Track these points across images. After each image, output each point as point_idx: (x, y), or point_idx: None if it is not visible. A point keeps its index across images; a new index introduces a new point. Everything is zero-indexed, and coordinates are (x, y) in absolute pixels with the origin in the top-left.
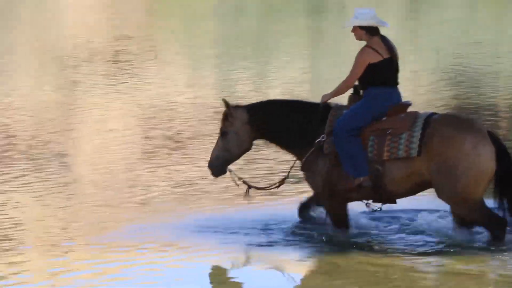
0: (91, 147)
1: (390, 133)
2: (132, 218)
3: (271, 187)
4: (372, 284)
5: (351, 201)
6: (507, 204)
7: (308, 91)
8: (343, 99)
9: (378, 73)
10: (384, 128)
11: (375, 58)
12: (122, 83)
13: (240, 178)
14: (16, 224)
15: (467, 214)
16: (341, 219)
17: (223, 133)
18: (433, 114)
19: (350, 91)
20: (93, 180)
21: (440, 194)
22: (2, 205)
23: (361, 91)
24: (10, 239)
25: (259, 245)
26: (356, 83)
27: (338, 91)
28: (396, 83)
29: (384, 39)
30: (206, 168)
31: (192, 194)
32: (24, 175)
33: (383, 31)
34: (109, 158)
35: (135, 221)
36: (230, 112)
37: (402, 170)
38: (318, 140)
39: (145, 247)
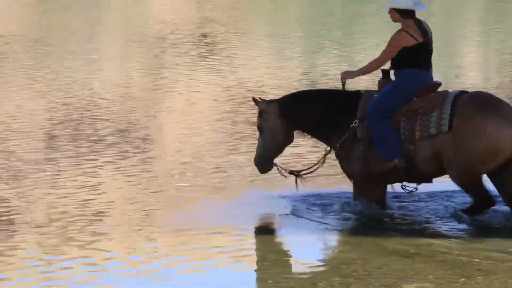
0: (178, 131)
1: (421, 112)
2: (216, 202)
3: (314, 166)
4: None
5: (388, 183)
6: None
7: None
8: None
9: (411, 56)
10: (415, 109)
11: (409, 42)
12: (209, 65)
13: (286, 170)
14: (108, 207)
15: (466, 186)
16: (379, 202)
17: (260, 130)
18: (463, 92)
19: (379, 75)
20: (179, 164)
21: (448, 165)
22: (91, 189)
23: (392, 72)
24: (100, 222)
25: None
26: (386, 66)
27: (365, 70)
28: (429, 67)
29: (419, 23)
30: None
31: (277, 180)
32: (112, 160)
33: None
34: (195, 142)
35: (221, 205)
36: (262, 108)
37: (432, 148)
38: (351, 126)
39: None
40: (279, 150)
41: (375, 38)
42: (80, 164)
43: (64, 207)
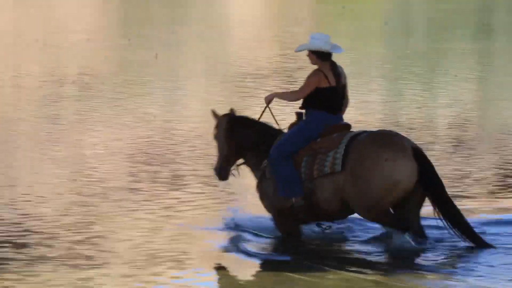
0: None
1: (320, 152)
2: None
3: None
4: None
5: (301, 221)
6: (445, 221)
7: (476, 111)
8: None
9: (322, 98)
10: (315, 148)
11: (322, 84)
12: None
13: (238, 168)
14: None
15: (376, 220)
16: (291, 234)
17: (215, 139)
18: (363, 132)
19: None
20: None
21: (353, 203)
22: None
23: (304, 111)
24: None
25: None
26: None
27: (283, 97)
28: (339, 110)
29: (334, 67)
30: None
31: None
32: None
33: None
34: None
35: None
36: (216, 121)
37: (330, 186)
38: (262, 165)
39: None
40: (228, 162)
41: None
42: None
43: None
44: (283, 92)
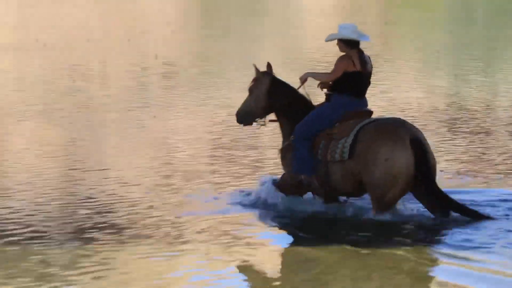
0: None
1: (335, 138)
2: None
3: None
4: None
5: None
6: (427, 202)
7: None
8: None
9: (348, 82)
10: (332, 133)
11: (350, 68)
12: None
13: (264, 122)
14: None
15: (380, 210)
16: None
17: (249, 91)
18: (372, 121)
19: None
20: None
21: (368, 191)
22: None
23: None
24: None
25: None
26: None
27: (318, 77)
28: (363, 95)
29: (361, 54)
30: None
31: None
32: None
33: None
34: None
35: None
36: (258, 76)
37: (340, 171)
38: (291, 137)
39: None
40: (258, 113)
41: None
42: None
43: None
44: (317, 72)
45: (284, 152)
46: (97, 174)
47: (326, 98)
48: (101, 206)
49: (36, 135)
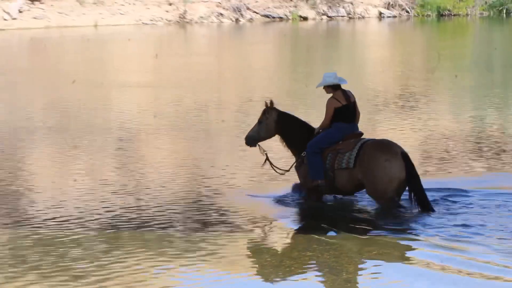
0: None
1: (340, 151)
2: None
3: (278, 170)
4: None
5: (322, 193)
6: (415, 199)
7: None
8: None
9: (339, 114)
10: (338, 148)
11: (337, 104)
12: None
13: (264, 151)
14: None
15: (382, 204)
16: (316, 199)
17: (259, 122)
18: (370, 139)
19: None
20: None
21: (367, 192)
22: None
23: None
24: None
25: None
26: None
27: (323, 125)
28: (353, 120)
29: (344, 92)
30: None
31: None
32: None
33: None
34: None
35: None
36: (268, 110)
37: (346, 176)
38: (302, 154)
39: None
40: (263, 139)
41: None
42: None
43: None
44: (320, 125)
45: (299, 166)
46: (216, 180)
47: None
48: (218, 204)
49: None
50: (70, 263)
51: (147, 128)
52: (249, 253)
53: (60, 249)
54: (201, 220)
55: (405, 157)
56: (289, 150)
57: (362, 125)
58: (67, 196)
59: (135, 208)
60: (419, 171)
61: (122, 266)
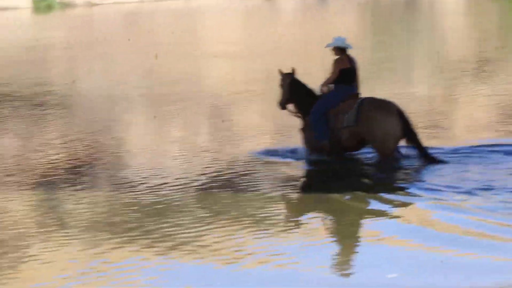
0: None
1: (341, 112)
2: None
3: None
4: None
5: (328, 153)
6: (415, 150)
7: None
8: None
9: (344, 76)
10: (339, 109)
11: (344, 65)
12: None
13: (294, 112)
14: None
15: (382, 158)
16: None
17: (280, 87)
18: (366, 98)
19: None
20: None
21: (370, 146)
22: None
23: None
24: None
25: None
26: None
27: (327, 82)
28: (352, 82)
29: (348, 56)
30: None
31: None
32: None
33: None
34: None
35: None
36: (284, 77)
37: (349, 134)
38: (307, 117)
39: None
40: (289, 101)
41: None
42: None
43: None
44: (325, 81)
45: (304, 130)
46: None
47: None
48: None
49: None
50: (172, 229)
51: (239, 96)
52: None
53: (161, 216)
54: (305, 185)
55: (400, 114)
56: (298, 116)
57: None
58: (164, 162)
59: (233, 173)
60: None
61: (221, 232)
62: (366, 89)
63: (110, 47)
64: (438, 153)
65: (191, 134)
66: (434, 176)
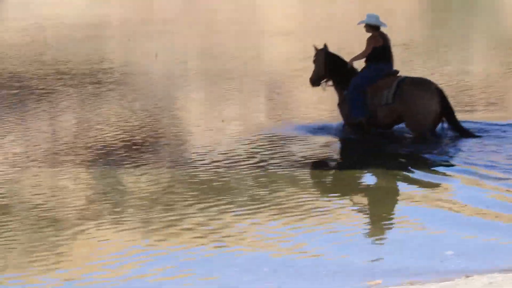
0: None
1: (380, 89)
2: None
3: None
4: None
5: (364, 128)
6: (450, 126)
7: None
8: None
9: (379, 54)
10: (377, 86)
11: (377, 43)
12: None
13: (327, 86)
14: None
15: (419, 136)
16: (357, 133)
17: (314, 62)
18: (406, 77)
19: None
20: None
21: (406, 124)
22: None
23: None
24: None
25: None
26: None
27: (358, 58)
28: (389, 60)
29: (382, 33)
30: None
31: None
32: None
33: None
34: None
35: None
36: (316, 52)
37: (386, 111)
38: (345, 92)
39: None
40: (323, 78)
41: None
42: None
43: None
44: (355, 56)
45: (341, 104)
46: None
47: (364, 67)
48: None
49: None
50: (226, 207)
51: (294, 74)
52: None
53: (218, 193)
54: (345, 161)
55: (439, 92)
56: (335, 90)
57: None
58: (220, 140)
59: (288, 152)
60: None
61: (277, 210)
62: (421, 66)
63: (172, 25)
64: (496, 128)
65: (249, 112)
66: (471, 153)
